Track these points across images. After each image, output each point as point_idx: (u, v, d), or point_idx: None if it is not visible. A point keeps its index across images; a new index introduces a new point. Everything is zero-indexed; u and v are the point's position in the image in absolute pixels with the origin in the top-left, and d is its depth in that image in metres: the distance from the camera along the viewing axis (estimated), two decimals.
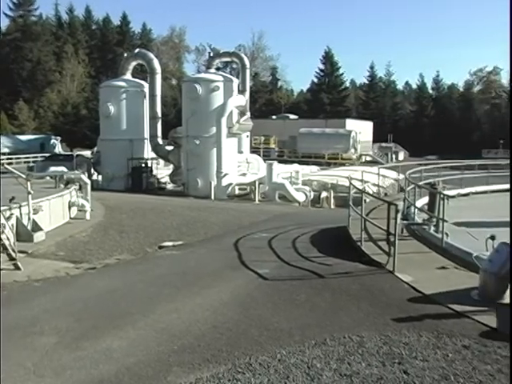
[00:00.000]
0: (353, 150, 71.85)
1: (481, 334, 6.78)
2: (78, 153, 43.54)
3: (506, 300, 8.02)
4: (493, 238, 9.49)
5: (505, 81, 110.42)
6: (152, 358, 6.13)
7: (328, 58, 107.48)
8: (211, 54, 38.53)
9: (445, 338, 6.63)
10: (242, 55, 38.34)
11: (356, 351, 6.20)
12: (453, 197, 18.58)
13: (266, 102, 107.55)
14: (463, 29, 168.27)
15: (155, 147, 33.84)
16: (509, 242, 8.41)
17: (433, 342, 6.48)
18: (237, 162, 32.71)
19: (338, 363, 5.89)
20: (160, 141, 34.13)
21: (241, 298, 8.46)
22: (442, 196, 12.39)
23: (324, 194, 32.08)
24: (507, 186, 22.76)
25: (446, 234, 11.53)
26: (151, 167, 35.18)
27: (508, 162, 29.40)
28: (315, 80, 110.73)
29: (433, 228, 12.76)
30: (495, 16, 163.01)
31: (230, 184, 30.82)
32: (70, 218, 17.56)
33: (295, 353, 6.15)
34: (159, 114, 33.91)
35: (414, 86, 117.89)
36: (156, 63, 34.40)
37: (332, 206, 30.63)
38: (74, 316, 7.65)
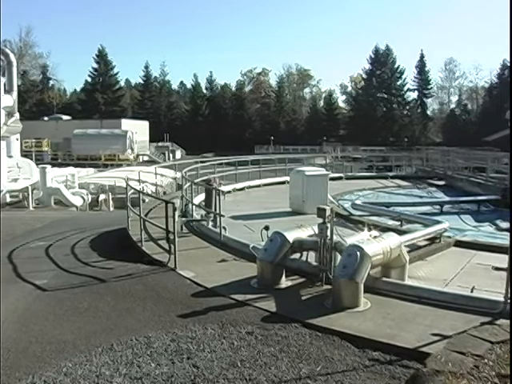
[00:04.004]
0: (130, 151, 71.37)
1: (262, 319, 7.15)
2: None
3: (283, 285, 8.59)
4: (267, 228, 10.09)
5: (273, 81, 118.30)
6: None
7: (102, 57, 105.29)
8: None
9: (229, 327, 6.86)
10: (8, 51, 35.43)
11: (144, 352, 6.15)
12: (228, 192, 19.42)
13: (37, 102, 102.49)
14: (233, 31, 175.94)
15: None
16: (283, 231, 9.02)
17: (218, 333, 6.67)
18: (6, 168, 30.47)
19: (127, 367, 5.79)
20: None
21: (19, 313, 7.86)
22: (217, 192, 12.84)
23: (102, 197, 31.36)
24: (278, 179, 24.44)
25: (224, 228, 11.95)
26: None
27: (278, 155, 31.51)
28: (89, 79, 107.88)
29: (211, 223, 13.13)
30: (263, 20, 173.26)
31: (0, 191, 28.64)
32: None
33: (82, 363, 5.90)
34: None
35: (189, 86, 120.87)
36: None
37: (111, 209, 30.07)
38: None
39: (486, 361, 5.48)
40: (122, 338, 6.56)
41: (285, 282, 8.67)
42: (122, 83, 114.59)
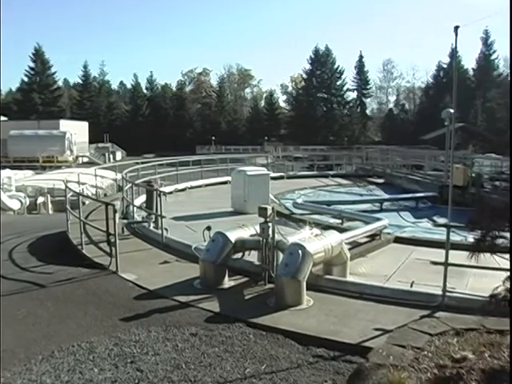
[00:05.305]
0: (69, 152, 69.84)
1: (206, 319, 7.17)
2: None
3: (226, 285, 8.61)
4: (209, 228, 10.09)
5: (214, 81, 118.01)
6: None
7: (38, 56, 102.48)
8: None
9: (173, 329, 6.84)
10: None
11: (87, 358, 6.05)
12: (170, 193, 19.30)
13: None
14: (173, 30, 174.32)
15: None
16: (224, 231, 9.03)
17: (162, 335, 6.64)
18: None
19: (69, 374, 5.67)
20: None
21: None
22: (158, 193, 12.75)
23: (41, 200, 30.66)
24: (220, 179, 24.42)
25: (166, 230, 11.88)
26: None
27: (220, 155, 31.47)
28: (25, 79, 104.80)
29: (152, 225, 13.04)
30: (202, 19, 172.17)
31: None
32: None
33: (21, 373, 5.73)
34: None
35: (129, 86, 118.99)
36: None
37: (50, 212, 29.43)
38: None
39: (425, 353, 5.65)
40: (64, 345, 6.42)
41: (228, 282, 8.70)
42: (60, 83, 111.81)
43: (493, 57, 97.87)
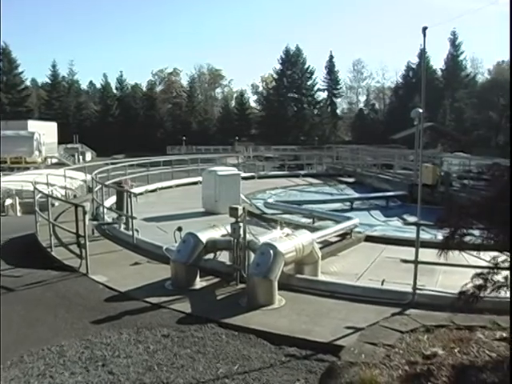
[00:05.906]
0: (37, 153, 68.90)
1: (178, 321, 7.14)
2: None
3: (197, 286, 8.59)
4: (180, 229, 10.05)
5: (184, 81, 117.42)
6: None
7: (5, 55, 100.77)
8: None
9: (145, 331, 6.80)
10: None
11: (57, 362, 5.96)
12: (140, 194, 19.16)
13: None
14: (143, 29, 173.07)
15: None
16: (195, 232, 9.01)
17: (134, 338, 6.59)
18: None
19: (39, 379, 5.58)
20: None
21: None
22: (128, 194, 12.66)
23: (9, 202, 30.14)
24: (191, 180, 24.35)
25: (137, 231, 11.80)
26: None
27: (191, 156, 31.36)
28: None
29: (123, 226, 12.94)
30: (172, 19, 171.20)
31: None
32: None
33: None
34: None
35: (99, 86, 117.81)
36: None
37: (19, 214, 28.97)
38: None
39: (396, 350, 5.71)
40: (33, 349, 6.32)
41: (199, 283, 8.68)
42: (28, 83, 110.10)
43: (460, 57, 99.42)
